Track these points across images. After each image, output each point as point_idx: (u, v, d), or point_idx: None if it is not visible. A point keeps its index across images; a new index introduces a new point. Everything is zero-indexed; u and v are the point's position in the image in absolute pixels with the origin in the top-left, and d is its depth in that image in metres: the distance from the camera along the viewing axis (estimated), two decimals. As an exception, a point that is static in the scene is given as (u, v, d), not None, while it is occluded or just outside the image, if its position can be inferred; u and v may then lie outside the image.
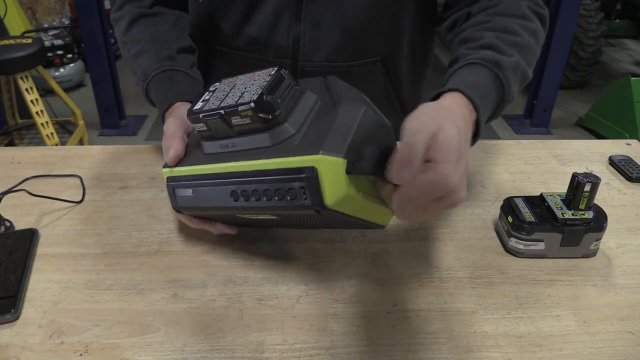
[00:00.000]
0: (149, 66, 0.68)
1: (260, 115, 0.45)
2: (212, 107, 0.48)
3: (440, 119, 0.44)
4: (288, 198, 0.44)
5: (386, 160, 0.45)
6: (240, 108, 0.45)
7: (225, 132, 0.49)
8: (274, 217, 0.50)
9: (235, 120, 0.47)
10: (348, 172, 0.42)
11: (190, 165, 0.53)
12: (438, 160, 0.42)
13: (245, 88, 0.47)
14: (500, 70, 0.57)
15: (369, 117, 0.45)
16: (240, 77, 0.51)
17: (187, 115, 0.50)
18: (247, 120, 0.46)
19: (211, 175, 0.50)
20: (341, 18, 0.70)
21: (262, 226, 0.62)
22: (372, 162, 0.45)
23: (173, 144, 0.55)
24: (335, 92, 0.48)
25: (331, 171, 0.42)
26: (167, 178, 0.56)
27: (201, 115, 0.49)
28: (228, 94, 0.48)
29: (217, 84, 0.52)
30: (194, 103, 0.51)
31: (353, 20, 0.71)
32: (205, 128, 0.50)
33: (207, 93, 0.51)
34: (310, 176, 0.42)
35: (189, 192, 0.54)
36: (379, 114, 0.47)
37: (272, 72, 0.47)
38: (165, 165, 0.56)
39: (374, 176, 0.46)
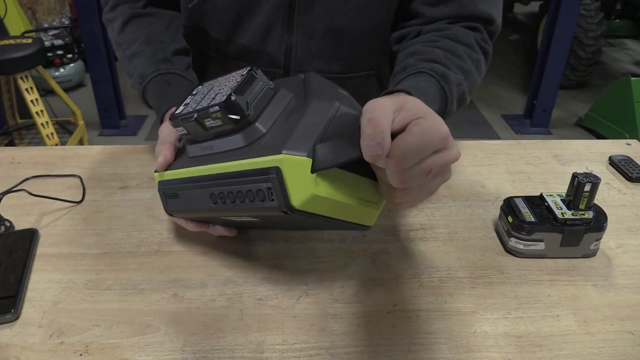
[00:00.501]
0: (145, 69, 0.68)
1: (230, 116, 0.45)
2: (189, 110, 0.48)
3: (399, 97, 0.43)
4: (258, 200, 0.43)
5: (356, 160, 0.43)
6: (210, 110, 0.45)
7: (203, 135, 0.49)
8: (254, 220, 0.50)
9: (209, 123, 0.47)
10: (316, 170, 0.41)
11: (176, 169, 0.54)
12: (419, 116, 0.40)
13: (220, 89, 0.47)
14: (447, 83, 0.58)
15: (344, 113, 0.43)
16: (219, 79, 0.51)
17: (169, 119, 0.51)
18: (219, 122, 0.46)
19: (193, 178, 0.51)
20: (333, 29, 0.70)
21: (255, 228, 0.62)
22: (349, 159, 0.41)
23: (162, 150, 0.56)
24: (310, 89, 0.47)
25: (295, 171, 0.40)
26: (159, 182, 0.57)
27: (180, 118, 0.49)
28: (205, 96, 0.48)
29: (199, 87, 0.52)
30: (177, 107, 0.52)
31: (345, 32, 0.70)
32: (186, 132, 0.51)
33: (189, 97, 0.52)
34: (275, 177, 0.41)
35: (177, 195, 0.54)
36: (358, 110, 0.44)
37: (244, 73, 0.47)
38: (156, 171, 0.57)
39: (356, 174, 0.45)
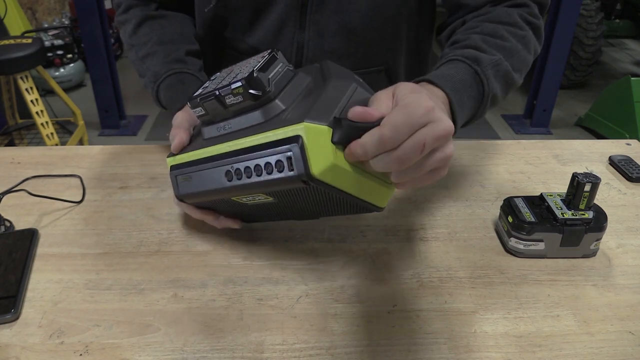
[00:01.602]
0: (159, 68, 0.69)
1: (251, 92, 0.46)
2: (209, 90, 0.50)
3: (393, 86, 0.46)
4: (276, 171, 0.43)
5: None
6: (232, 86, 0.46)
7: (221, 114, 0.50)
8: (270, 200, 0.50)
9: (229, 100, 0.48)
10: (335, 142, 0.42)
11: (191, 151, 0.54)
12: (406, 94, 0.43)
13: (240, 70, 0.49)
14: (479, 65, 0.57)
15: (360, 94, 0.45)
16: (238, 64, 0.52)
17: (188, 101, 0.52)
18: (240, 99, 0.47)
19: (208, 158, 0.51)
20: (345, 27, 0.70)
21: (262, 218, 0.62)
22: (367, 127, 0.43)
23: (178, 133, 0.57)
24: (327, 73, 0.48)
25: (316, 139, 0.41)
26: (171, 167, 0.57)
27: (199, 99, 0.50)
28: (224, 79, 0.50)
29: (218, 73, 0.54)
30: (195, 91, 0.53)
31: (357, 28, 0.71)
32: (204, 112, 0.51)
33: (207, 82, 0.53)
34: (296, 144, 0.41)
35: (189, 178, 0.54)
36: (372, 94, 0.47)
37: (266, 54, 0.48)
38: (170, 155, 0.58)
39: None
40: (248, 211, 0.57)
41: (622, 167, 0.77)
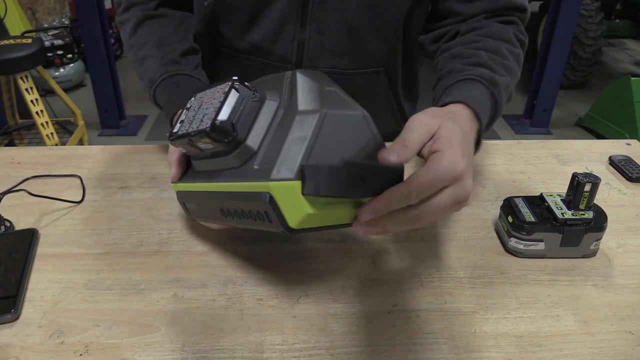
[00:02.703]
0: (154, 72, 0.69)
1: (218, 140, 0.44)
2: (182, 132, 0.48)
3: (441, 118, 0.44)
4: (259, 220, 0.44)
5: (343, 187, 0.41)
6: (199, 135, 0.45)
7: (200, 154, 0.50)
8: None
9: (202, 145, 0.47)
10: (305, 194, 0.40)
11: (187, 182, 0.55)
12: (442, 149, 0.42)
13: (207, 108, 0.47)
14: (495, 88, 0.59)
15: (331, 117, 0.42)
16: (207, 91, 0.49)
17: (168, 137, 0.51)
18: (210, 145, 0.46)
19: (202, 193, 0.52)
20: (345, 25, 0.70)
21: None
22: (339, 195, 0.41)
23: (173, 161, 0.57)
24: (294, 95, 0.45)
25: (286, 195, 0.41)
26: (177, 192, 0.59)
27: (176, 139, 0.49)
28: (196, 114, 0.48)
29: (192, 99, 0.51)
30: (174, 124, 0.52)
31: (357, 27, 0.71)
32: (185, 150, 0.52)
33: (183, 112, 0.51)
34: (267, 202, 0.41)
35: (195, 205, 0.56)
36: (350, 106, 0.45)
37: (226, 89, 0.46)
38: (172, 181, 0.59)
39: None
40: None
41: (622, 167, 0.77)
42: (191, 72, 0.69)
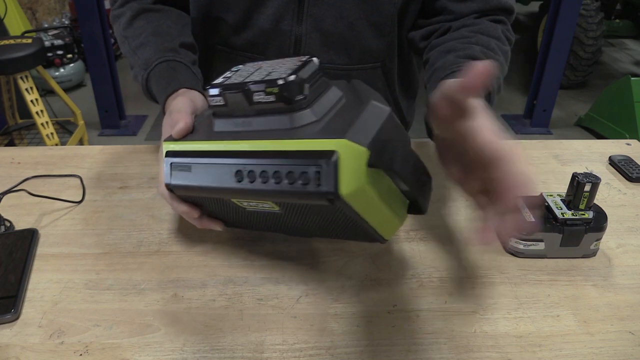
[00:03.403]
0: (150, 56, 0.67)
1: (286, 94, 0.43)
2: (235, 81, 0.46)
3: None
4: (299, 182, 0.41)
5: (407, 171, 0.43)
6: (267, 84, 0.43)
7: (243, 110, 0.46)
8: (276, 210, 0.48)
9: (258, 97, 0.44)
10: (373, 164, 0.40)
11: (197, 141, 0.50)
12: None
13: (273, 69, 0.46)
14: None
15: (393, 122, 0.43)
16: (267, 61, 0.49)
17: (206, 88, 0.48)
18: (271, 98, 0.44)
19: (218, 152, 0.47)
20: (342, 20, 0.70)
21: (250, 225, 0.58)
22: (393, 164, 0.43)
23: (182, 118, 0.53)
24: (360, 93, 0.46)
25: (352, 159, 0.39)
26: (167, 152, 0.52)
27: (221, 88, 0.46)
28: (253, 73, 0.47)
29: (241, 66, 0.50)
30: (212, 81, 0.49)
31: (353, 22, 0.71)
32: (223, 103, 0.47)
33: (228, 72, 0.49)
34: (329, 160, 0.39)
35: (188, 169, 0.50)
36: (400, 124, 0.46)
37: (304, 59, 0.46)
38: (169, 139, 0.53)
39: (396, 180, 0.45)
40: (241, 216, 0.54)
41: (622, 167, 0.77)
42: (188, 64, 0.68)
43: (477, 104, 0.44)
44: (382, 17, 0.72)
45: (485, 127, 0.43)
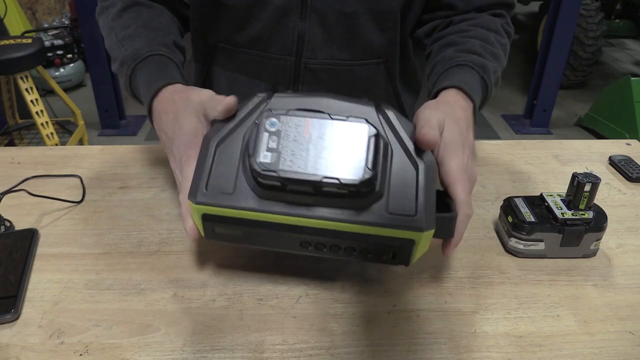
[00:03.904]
0: (141, 47, 0.62)
1: (357, 192, 0.41)
2: (297, 169, 0.41)
3: (441, 113, 0.52)
4: (370, 256, 0.46)
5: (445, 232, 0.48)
6: (340, 186, 0.40)
7: (304, 194, 0.42)
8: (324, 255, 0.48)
9: (326, 189, 0.41)
10: (435, 237, 0.46)
11: (243, 209, 0.44)
12: (456, 147, 0.50)
13: (331, 146, 0.41)
14: (486, 73, 0.64)
15: (433, 165, 0.46)
16: (310, 120, 0.42)
17: (254, 166, 0.41)
18: (334, 189, 0.41)
19: (277, 225, 0.44)
20: (345, 15, 0.70)
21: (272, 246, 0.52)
22: (442, 233, 0.48)
23: (222, 98, 0.47)
24: (399, 133, 0.45)
25: (425, 242, 0.45)
26: (203, 215, 0.45)
27: (285, 179, 0.41)
28: (308, 151, 0.41)
29: (275, 120, 0.42)
30: (249, 147, 0.42)
31: (356, 17, 0.71)
32: (279, 184, 0.41)
33: (264, 134, 0.42)
34: (406, 247, 0.44)
35: (237, 232, 0.46)
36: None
37: (369, 134, 0.41)
38: (195, 194, 0.44)
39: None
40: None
41: (622, 167, 0.77)
42: (179, 65, 0.64)
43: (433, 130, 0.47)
44: (384, 12, 0.72)
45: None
